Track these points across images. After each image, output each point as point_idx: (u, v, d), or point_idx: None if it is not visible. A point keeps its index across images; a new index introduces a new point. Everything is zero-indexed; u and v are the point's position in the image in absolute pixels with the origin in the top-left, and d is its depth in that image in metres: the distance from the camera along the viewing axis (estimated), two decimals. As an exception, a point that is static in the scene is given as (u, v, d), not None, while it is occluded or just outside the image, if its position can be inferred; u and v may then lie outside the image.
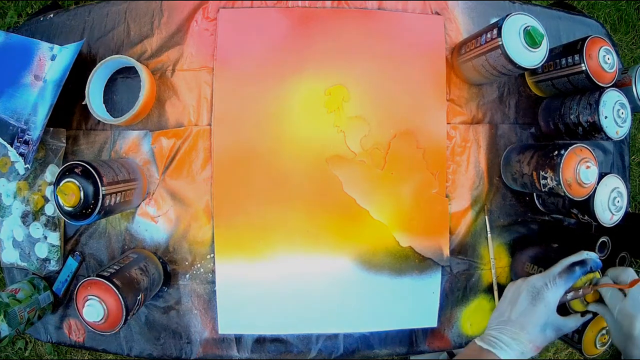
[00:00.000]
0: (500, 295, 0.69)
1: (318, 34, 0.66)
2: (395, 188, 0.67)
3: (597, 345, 0.61)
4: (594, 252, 0.65)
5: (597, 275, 0.55)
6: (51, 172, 0.65)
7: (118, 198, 0.58)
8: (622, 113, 0.60)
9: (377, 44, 0.67)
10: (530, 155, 0.63)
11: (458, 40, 0.68)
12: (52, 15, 0.68)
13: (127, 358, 0.69)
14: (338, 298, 0.67)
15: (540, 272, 0.63)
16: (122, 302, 0.54)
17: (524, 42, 0.57)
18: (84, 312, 0.53)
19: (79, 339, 0.68)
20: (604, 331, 0.61)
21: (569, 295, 0.53)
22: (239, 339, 0.67)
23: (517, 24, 0.57)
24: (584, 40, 0.60)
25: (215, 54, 0.66)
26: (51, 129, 0.65)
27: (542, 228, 0.71)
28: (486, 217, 0.69)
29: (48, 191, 0.65)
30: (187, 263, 0.66)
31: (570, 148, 0.57)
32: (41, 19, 0.68)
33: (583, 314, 0.55)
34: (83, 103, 0.62)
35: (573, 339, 0.63)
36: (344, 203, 0.66)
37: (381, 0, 0.68)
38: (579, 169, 0.57)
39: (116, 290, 0.54)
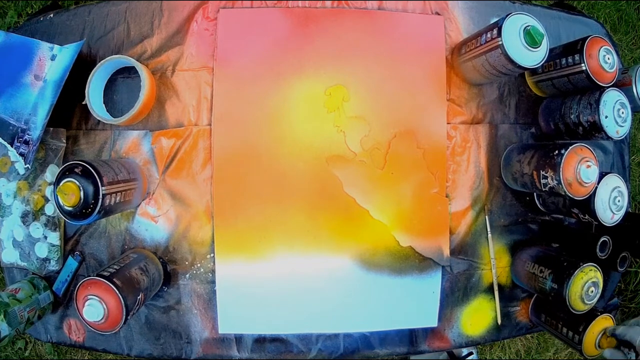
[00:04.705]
0: (500, 295, 0.69)
1: (318, 34, 0.66)
2: (395, 188, 0.67)
3: (597, 346, 0.61)
4: (595, 251, 0.65)
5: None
6: (51, 172, 0.65)
7: (118, 198, 0.58)
8: (623, 113, 0.60)
9: (377, 44, 0.67)
10: (531, 155, 0.63)
11: (458, 40, 0.68)
12: (52, 15, 0.68)
13: (127, 358, 0.69)
14: (338, 298, 0.67)
15: (541, 271, 0.63)
16: (122, 302, 0.54)
17: (524, 42, 0.57)
18: (84, 311, 0.53)
19: (79, 339, 0.68)
20: (604, 331, 0.61)
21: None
22: (239, 338, 0.67)
23: (517, 23, 0.57)
24: (584, 40, 0.60)
25: (215, 54, 0.66)
26: (51, 128, 0.65)
27: (542, 228, 0.71)
28: (486, 217, 0.69)
29: (48, 191, 0.65)
30: (187, 263, 0.66)
31: (570, 147, 0.57)
32: (41, 19, 0.68)
33: None
34: (83, 103, 0.62)
35: (573, 340, 0.63)
36: (344, 203, 0.66)
37: (381, 0, 0.68)
38: (580, 168, 0.57)
39: (116, 290, 0.54)
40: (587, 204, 0.61)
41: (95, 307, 0.53)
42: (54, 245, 0.66)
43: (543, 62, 0.58)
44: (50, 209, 0.65)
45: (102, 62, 0.62)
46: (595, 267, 0.60)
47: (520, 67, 0.57)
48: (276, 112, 0.66)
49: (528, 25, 0.57)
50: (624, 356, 0.56)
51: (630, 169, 0.99)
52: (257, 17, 0.66)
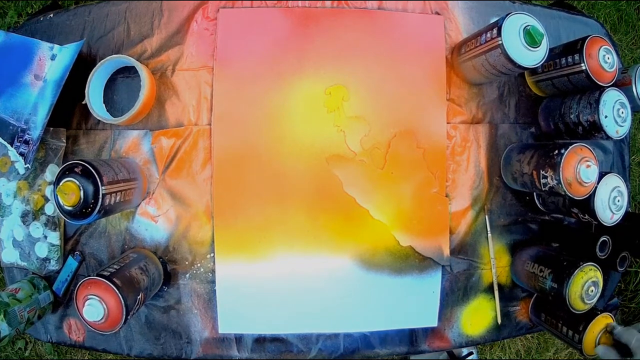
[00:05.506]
0: (500, 295, 0.69)
1: (318, 34, 0.66)
2: (395, 188, 0.67)
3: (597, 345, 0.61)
4: (595, 251, 0.65)
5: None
6: (51, 172, 0.65)
7: (118, 197, 0.58)
8: (622, 112, 0.60)
9: (377, 44, 0.67)
10: (531, 155, 0.63)
11: (458, 40, 0.68)
12: (52, 15, 0.68)
13: (127, 358, 0.69)
14: (338, 298, 0.67)
15: (541, 270, 0.63)
16: (122, 302, 0.54)
17: (523, 42, 0.57)
18: (84, 311, 0.53)
19: (79, 339, 0.68)
20: (604, 329, 0.61)
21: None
22: (239, 338, 0.67)
23: (517, 23, 0.57)
24: (584, 39, 0.60)
25: (215, 54, 0.66)
26: (51, 128, 0.65)
27: (542, 227, 0.71)
28: (486, 216, 0.69)
29: (48, 191, 0.65)
30: (187, 263, 0.66)
31: (570, 147, 0.57)
32: (41, 19, 0.68)
33: None
34: (83, 103, 0.62)
35: (573, 339, 0.63)
36: (344, 202, 0.66)
37: (381, 0, 0.68)
38: (579, 168, 0.57)
39: (116, 290, 0.54)
40: (587, 204, 0.61)
41: (95, 307, 0.53)
42: (54, 245, 0.66)
43: (543, 61, 0.58)
44: (50, 209, 0.65)
45: (102, 61, 0.62)
46: (595, 266, 0.60)
47: (520, 66, 0.57)
48: (276, 112, 0.66)
49: (528, 25, 0.57)
50: (617, 355, 0.56)
51: (630, 169, 0.99)
52: (257, 17, 0.66)
